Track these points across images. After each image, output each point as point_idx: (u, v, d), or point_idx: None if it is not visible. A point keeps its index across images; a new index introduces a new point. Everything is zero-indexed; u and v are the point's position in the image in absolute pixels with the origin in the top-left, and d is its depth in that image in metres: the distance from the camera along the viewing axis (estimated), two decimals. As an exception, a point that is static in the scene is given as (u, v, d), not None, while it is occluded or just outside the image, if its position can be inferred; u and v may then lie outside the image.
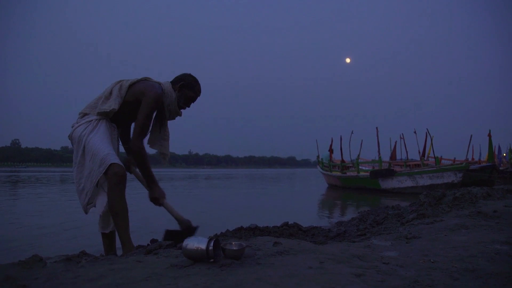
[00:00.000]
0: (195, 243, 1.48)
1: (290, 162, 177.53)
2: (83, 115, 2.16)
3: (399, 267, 1.54)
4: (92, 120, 2.10)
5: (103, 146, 2.01)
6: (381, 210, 5.05)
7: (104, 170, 1.96)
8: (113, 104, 2.09)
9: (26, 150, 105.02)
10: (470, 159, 15.66)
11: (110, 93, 2.14)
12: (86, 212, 2.11)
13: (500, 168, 15.54)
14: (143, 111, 2.05)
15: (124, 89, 2.13)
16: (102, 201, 2.09)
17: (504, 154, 22.51)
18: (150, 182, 2.16)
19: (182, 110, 2.30)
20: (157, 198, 2.15)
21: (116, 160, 1.99)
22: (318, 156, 18.07)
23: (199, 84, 2.28)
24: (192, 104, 2.33)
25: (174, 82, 2.24)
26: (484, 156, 17.49)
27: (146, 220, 4.52)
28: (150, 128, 2.21)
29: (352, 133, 15.63)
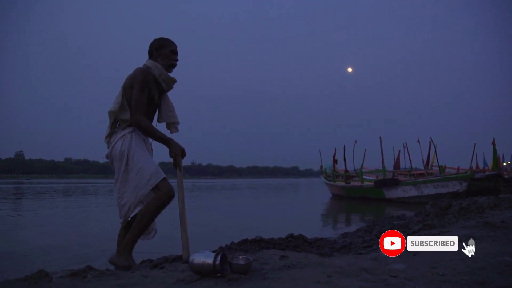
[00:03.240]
0: (202, 257, 1.47)
1: (293, 172, 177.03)
2: (109, 137, 2.19)
3: (407, 281, 1.52)
4: (125, 135, 2.14)
5: (149, 161, 2.10)
6: (386, 220, 5.01)
7: (156, 183, 2.02)
8: (115, 106, 2.14)
9: (29, 162, 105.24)
10: (474, 168, 15.57)
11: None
12: (125, 220, 2.15)
13: (505, 176, 15.41)
14: (135, 88, 2.14)
15: (120, 93, 2.19)
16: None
17: (504, 164, 22.33)
18: (165, 142, 2.15)
19: (174, 77, 2.34)
20: (175, 156, 2.11)
21: (165, 175, 2.06)
22: (321, 166, 18.02)
23: (168, 39, 2.36)
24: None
25: (150, 55, 2.32)
26: (490, 164, 17.38)
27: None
28: (155, 108, 2.29)
29: (355, 142, 15.61)
